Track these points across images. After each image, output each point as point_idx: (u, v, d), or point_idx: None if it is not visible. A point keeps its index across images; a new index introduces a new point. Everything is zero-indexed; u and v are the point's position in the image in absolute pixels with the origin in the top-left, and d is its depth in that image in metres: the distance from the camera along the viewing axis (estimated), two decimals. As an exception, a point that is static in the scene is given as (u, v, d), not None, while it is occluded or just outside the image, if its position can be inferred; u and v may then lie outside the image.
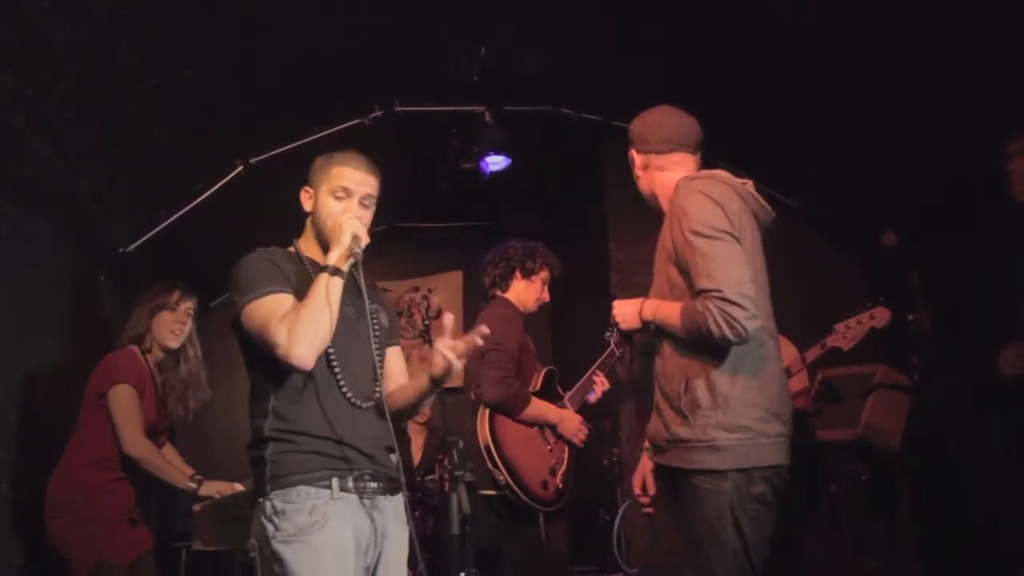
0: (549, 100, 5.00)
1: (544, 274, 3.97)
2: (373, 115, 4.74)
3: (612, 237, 5.51)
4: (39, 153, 3.66)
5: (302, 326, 2.16)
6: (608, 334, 4.24)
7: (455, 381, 3.70)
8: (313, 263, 2.40)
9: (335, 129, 4.66)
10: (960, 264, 3.79)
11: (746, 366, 2.49)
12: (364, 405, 2.33)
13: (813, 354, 3.61)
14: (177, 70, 3.68)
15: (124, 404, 3.39)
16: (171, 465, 3.56)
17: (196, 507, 3.59)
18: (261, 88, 4.12)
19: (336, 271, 2.25)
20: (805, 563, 4.01)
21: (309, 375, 2.26)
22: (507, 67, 4.54)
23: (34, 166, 3.70)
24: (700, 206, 2.51)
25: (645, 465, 2.85)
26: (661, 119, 2.80)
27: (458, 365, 2.27)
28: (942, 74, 3.57)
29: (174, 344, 3.62)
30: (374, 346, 2.40)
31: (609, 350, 4.14)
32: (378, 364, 2.39)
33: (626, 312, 2.76)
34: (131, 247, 4.69)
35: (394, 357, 2.58)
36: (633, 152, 2.83)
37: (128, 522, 3.44)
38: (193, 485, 3.54)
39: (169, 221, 4.70)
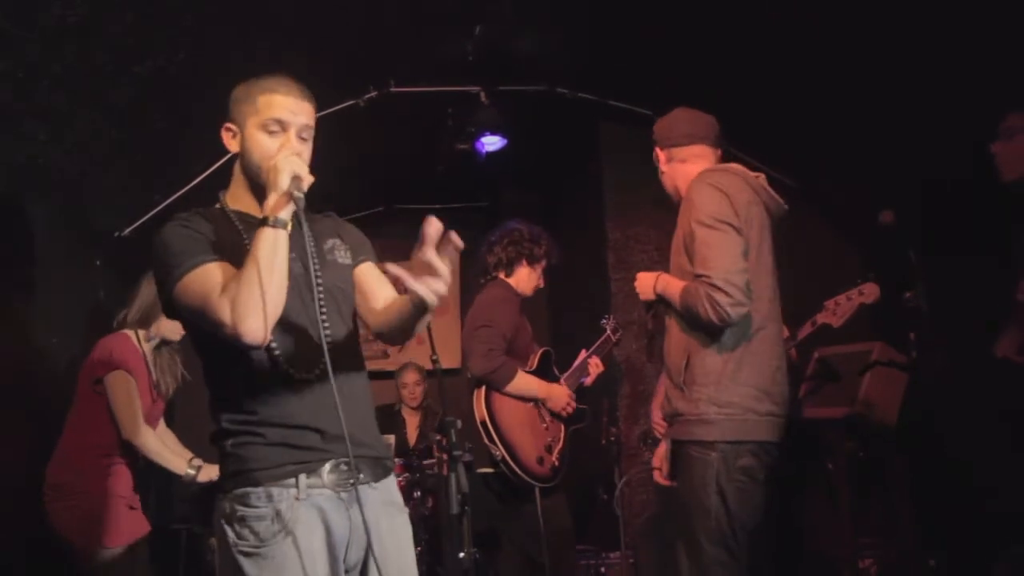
0: (545, 80, 4.98)
1: (544, 262, 4.02)
2: (368, 96, 4.72)
3: (608, 217, 5.51)
4: (33, 136, 3.64)
5: (246, 294, 1.81)
6: (604, 320, 4.27)
7: (452, 362, 3.73)
8: (243, 217, 2.05)
9: (330, 110, 4.64)
10: (958, 242, 3.79)
11: (742, 347, 2.66)
12: (308, 376, 1.97)
13: (804, 331, 3.63)
14: (171, 52, 3.66)
15: (122, 391, 3.39)
16: (170, 452, 3.57)
17: (195, 487, 3.60)
18: (255, 70, 4.09)
19: (276, 221, 1.87)
20: (804, 539, 4.04)
21: (252, 353, 1.93)
22: (503, 47, 4.51)
23: (28, 149, 3.69)
24: (708, 197, 2.68)
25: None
26: (680, 116, 2.98)
27: (439, 288, 1.79)
28: (942, 52, 3.56)
29: (177, 339, 3.63)
30: (318, 303, 2.01)
31: (605, 336, 4.18)
32: (323, 323, 1.99)
33: (644, 283, 2.92)
34: (127, 231, 4.67)
35: (369, 274, 2.18)
36: (657, 150, 2.99)
37: (127, 506, 3.44)
38: (192, 472, 3.54)
39: (165, 204, 4.68)
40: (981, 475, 3.54)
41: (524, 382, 3.78)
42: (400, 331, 2.08)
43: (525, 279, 3.99)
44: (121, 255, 4.62)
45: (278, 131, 2.01)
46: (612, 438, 4.72)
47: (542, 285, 4.08)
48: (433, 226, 1.78)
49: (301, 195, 1.89)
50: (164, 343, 3.62)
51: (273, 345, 1.95)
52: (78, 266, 4.41)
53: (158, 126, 4.11)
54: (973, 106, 3.65)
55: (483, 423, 3.64)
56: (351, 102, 4.70)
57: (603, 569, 4.75)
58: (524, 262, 3.97)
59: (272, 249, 1.86)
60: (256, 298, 1.81)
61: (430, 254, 1.77)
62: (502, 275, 3.99)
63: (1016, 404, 3.22)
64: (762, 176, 2.83)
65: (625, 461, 5.04)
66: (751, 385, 2.63)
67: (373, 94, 4.73)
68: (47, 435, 3.53)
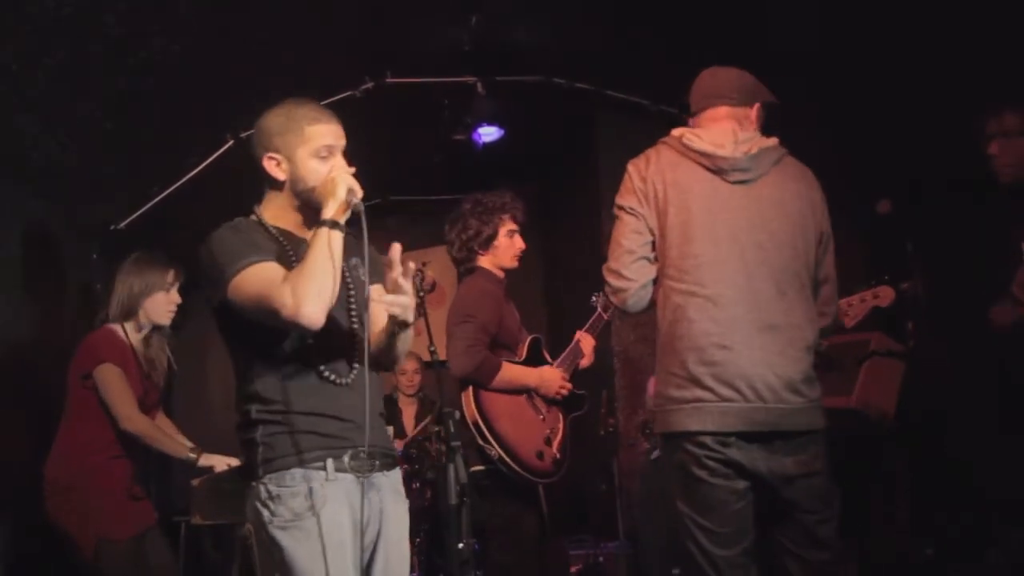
0: (542, 70, 4.96)
1: (507, 227, 3.72)
2: (364, 87, 4.70)
3: (605, 207, 5.48)
4: (28, 128, 3.63)
5: (307, 282, 2.03)
6: (594, 299, 4.17)
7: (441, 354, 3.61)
8: (285, 234, 2.26)
9: (326, 102, 4.60)
10: (956, 232, 3.79)
11: (665, 333, 2.55)
12: (343, 381, 2.20)
13: None
14: (166, 44, 3.64)
15: (113, 382, 3.38)
16: (169, 437, 3.56)
17: (194, 481, 3.60)
18: (251, 61, 4.08)
19: (335, 224, 2.11)
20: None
21: (288, 356, 2.16)
22: (499, 37, 4.50)
23: (23, 142, 3.67)
24: (621, 183, 2.67)
25: None
26: (699, 79, 2.79)
27: (401, 300, 2.12)
28: (940, 42, 3.56)
29: (167, 322, 3.61)
30: (351, 312, 2.26)
31: (596, 314, 4.06)
32: (359, 331, 2.23)
33: None
34: (123, 224, 4.66)
35: (374, 293, 2.35)
36: (689, 121, 2.80)
37: (129, 498, 3.44)
38: (193, 455, 3.53)
39: (160, 197, 4.67)
40: (978, 463, 3.55)
41: (511, 374, 3.56)
42: (387, 351, 2.29)
43: (492, 260, 3.72)
44: (117, 248, 4.61)
45: (328, 156, 2.23)
46: (610, 428, 4.73)
47: (522, 247, 3.76)
48: (395, 250, 2.10)
49: (359, 203, 2.14)
50: (155, 329, 3.60)
51: (313, 352, 2.16)
52: (74, 260, 4.40)
53: (153, 118, 4.10)
54: (973, 95, 3.64)
55: (475, 423, 3.44)
56: (347, 93, 4.69)
57: (601, 559, 4.77)
58: (478, 252, 3.71)
59: (331, 248, 2.08)
60: (315, 286, 2.03)
61: (394, 274, 2.10)
62: (472, 266, 3.75)
63: (1012, 391, 3.21)
64: (703, 130, 2.64)
65: (623, 451, 5.05)
66: (672, 373, 2.48)
67: (369, 85, 4.71)
68: (45, 430, 3.52)
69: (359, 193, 2.15)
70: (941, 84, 3.73)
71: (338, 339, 2.21)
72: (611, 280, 2.60)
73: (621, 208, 2.62)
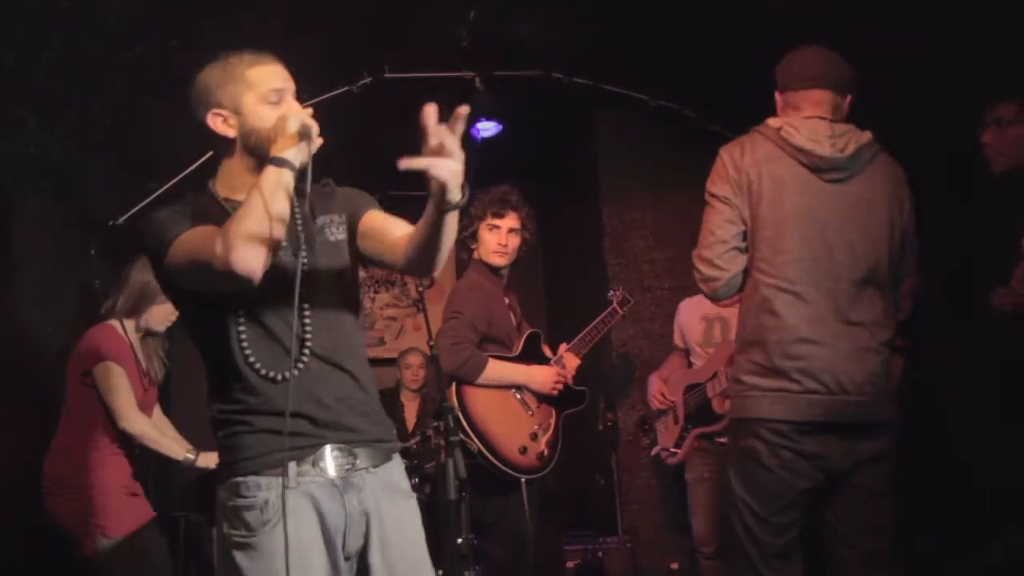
0: (541, 65, 4.95)
1: (486, 221, 3.70)
2: (362, 82, 4.69)
3: (605, 202, 5.50)
4: (26, 124, 3.62)
5: (237, 224, 1.76)
6: (612, 292, 4.15)
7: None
8: (234, 204, 1.94)
9: (324, 97, 4.62)
10: (955, 228, 3.78)
11: (749, 322, 2.59)
12: (287, 376, 1.90)
13: None
14: (163, 38, 3.63)
15: (113, 381, 3.38)
16: (167, 438, 3.56)
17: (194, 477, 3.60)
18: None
19: (282, 162, 1.84)
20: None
21: (234, 345, 1.90)
22: (497, 32, 4.49)
23: (21, 138, 3.67)
24: (712, 169, 2.66)
25: None
26: (797, 56, 2.76)
27: (449, 165, 1.75)
28: (938, 38, 3.55)
29: (162, 330, 3.59)
30: (298, 298, 1.86)
31: (610, 308, 4.04)
32: (305, 317, 1.94)
33: None
34: (122, 219, 4.65)
35: (377, 218, 2.13)
36: (777, 94, 2.78)
37: (127, 495, 3.45)
38: (191, 456, 3.54)
39: (159, 192, 4.66)
40: (978, 460, 3.55)
41: (498, 371, 3.56)
42: (428, 247, 1.93)
43: (481, 256, 3.74)
44: (116, 244, 4.61)
45: (279, 101, 2.00)
46: (609, 423, 4.72)
47: (501, 242, 3.69)
48: (430, 114, 1.74)
49: (309, 137, 1.88)
50: (149, 334, 3.59)
51: (248, 352, 1.92)
52: (73, 256, 4.40)
53: (152, 113, 4.09)
54: (972, 89, 3.64)
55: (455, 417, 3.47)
56: (345, 88, 4.68)
57: (600, 554, 4.77)
58: (471, 247, 3.76)
59: (273, 186, 1.82)
60: (248, 228, 1.77)
61: (438, 137, 1.73)
62: (472, 257, 3.79)
63: (1012, 388, 3.21)
64: (808, 123, 2.60)
65: (622, 447, 5.04)
66: (755, 362, 2.54)
67: (367, 80, 4.70)
68: (45, 426, 3.52)
69: (314, 127, 1.90)
70: (941, 79, 3.72)
71: (284, 328, 1.92)
72: (703, 268, 2.61)
73: (714, 196, 2.62)
